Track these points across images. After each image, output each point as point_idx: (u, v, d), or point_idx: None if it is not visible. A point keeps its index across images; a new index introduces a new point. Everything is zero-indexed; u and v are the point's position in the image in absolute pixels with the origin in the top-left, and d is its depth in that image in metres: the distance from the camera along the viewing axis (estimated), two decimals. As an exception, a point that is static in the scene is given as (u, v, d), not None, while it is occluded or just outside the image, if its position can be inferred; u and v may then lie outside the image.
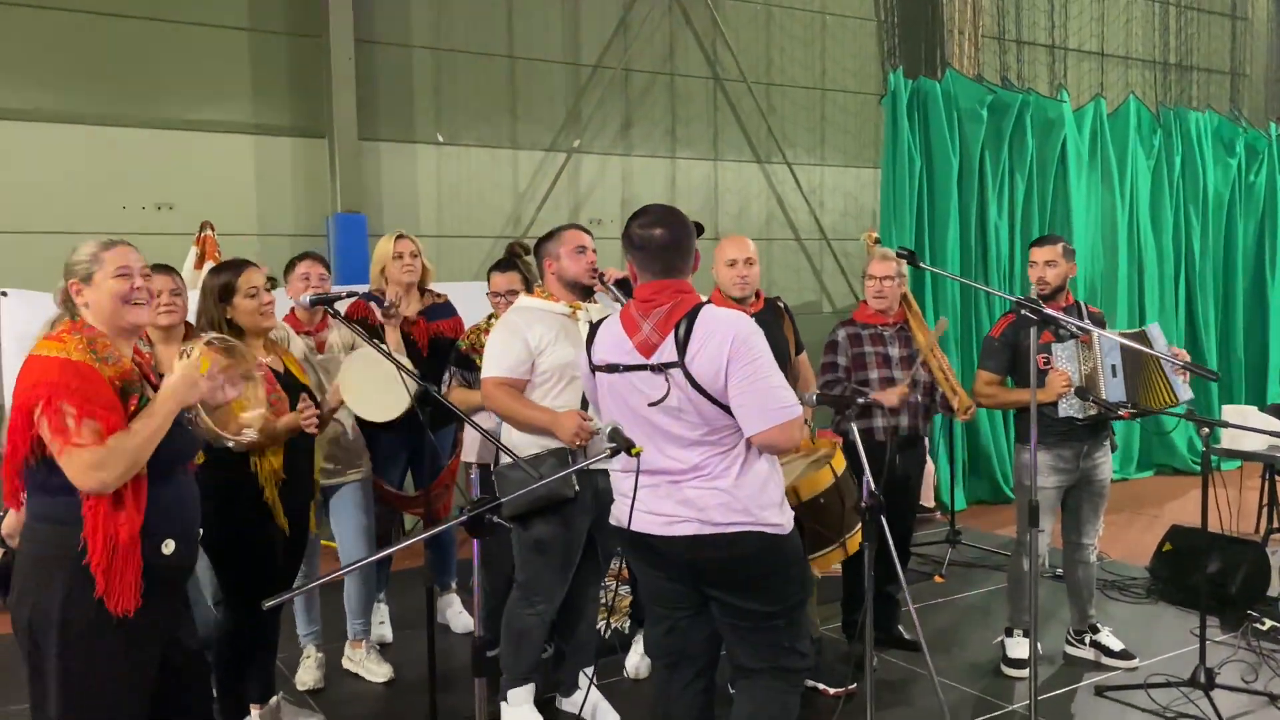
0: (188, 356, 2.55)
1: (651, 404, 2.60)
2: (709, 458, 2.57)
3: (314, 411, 3.38)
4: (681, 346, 2.52)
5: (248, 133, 6.28)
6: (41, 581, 2.34)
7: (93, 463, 2.26)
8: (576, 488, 3.37)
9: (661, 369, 2.55)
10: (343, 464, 4.08)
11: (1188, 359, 3.95)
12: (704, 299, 2.64)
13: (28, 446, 2.29)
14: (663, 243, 2.63)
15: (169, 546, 2.45)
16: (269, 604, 1.89)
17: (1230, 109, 9.47)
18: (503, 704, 3.67)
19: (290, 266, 4.22)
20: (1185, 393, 4.06)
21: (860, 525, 2.97)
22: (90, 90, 5.88)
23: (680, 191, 7.66)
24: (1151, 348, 3.93)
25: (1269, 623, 4.54)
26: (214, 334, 2.75)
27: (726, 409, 2.52)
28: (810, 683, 3.98)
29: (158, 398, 2.43)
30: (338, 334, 4.13)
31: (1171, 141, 8.41)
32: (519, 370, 3.45)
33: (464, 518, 2.05)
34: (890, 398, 4.09)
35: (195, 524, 2.61)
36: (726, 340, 2.49)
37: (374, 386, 3.69)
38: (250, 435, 2.80)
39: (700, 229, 2.75)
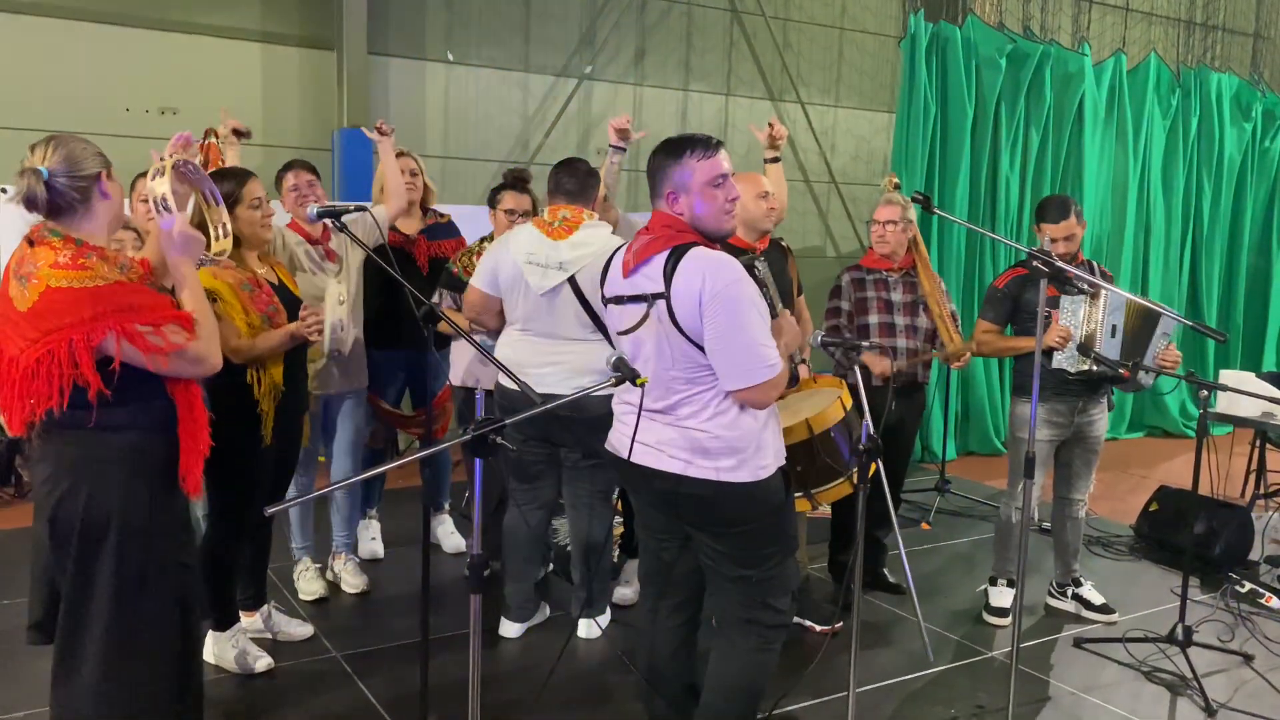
0: (164, 209, 2.46)
1: (621, 332, 2.61)
2: (685, 396, 2.56)
3: (317, 318, 3.37)
4: (668, 278, 2.49)
5: (255, 40, 6.17)
6: (97, 479, 2.37)
7: (197, 356, 2.41)
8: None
9: (650, 299, 2.53)
10: (345, 376, 4.09)
11: (1177, 360, 4.02)
12: (699, 240, 2.56)
13: (98, 378, 2.28)
14: (648, 169, 2.64)
15: None
16: (270, 510, 1.89)
17: (1251, 72, 9.35)
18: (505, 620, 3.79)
19: (279, 178, 4.17)
20: (1147, 380, 4.11)
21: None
22: (96, -14, 5.75)
23: (690, 125, 7.56)
24: (1155, 323, 3.99)
25: (1248, 585, 4.60)
26: (168, 163, 2.53)
27: (701, 349, 2.49)
28: (796, 619, 4.04)
29: (176, 270, 2.47)
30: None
31: (1190, 102, 8.31)
32: None
33: (467, 437, 2.04)
34: (880, 365, 4.12)
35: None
36: (705, 280, 2.44)
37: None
38: (223, 247, 2.83)
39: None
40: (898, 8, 8.24)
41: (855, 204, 8.25)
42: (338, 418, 4.13)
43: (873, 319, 4.25)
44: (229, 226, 2.89)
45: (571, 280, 3.57)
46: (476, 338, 3.76)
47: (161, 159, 2.53)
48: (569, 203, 3.66)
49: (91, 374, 2.27)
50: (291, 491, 4.08)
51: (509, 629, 3.90)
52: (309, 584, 4.21)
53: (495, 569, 4.00)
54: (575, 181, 3.67)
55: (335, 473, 4.22)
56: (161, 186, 2.45)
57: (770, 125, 4.23)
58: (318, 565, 4.28)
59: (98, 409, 2.33)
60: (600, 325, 3.50)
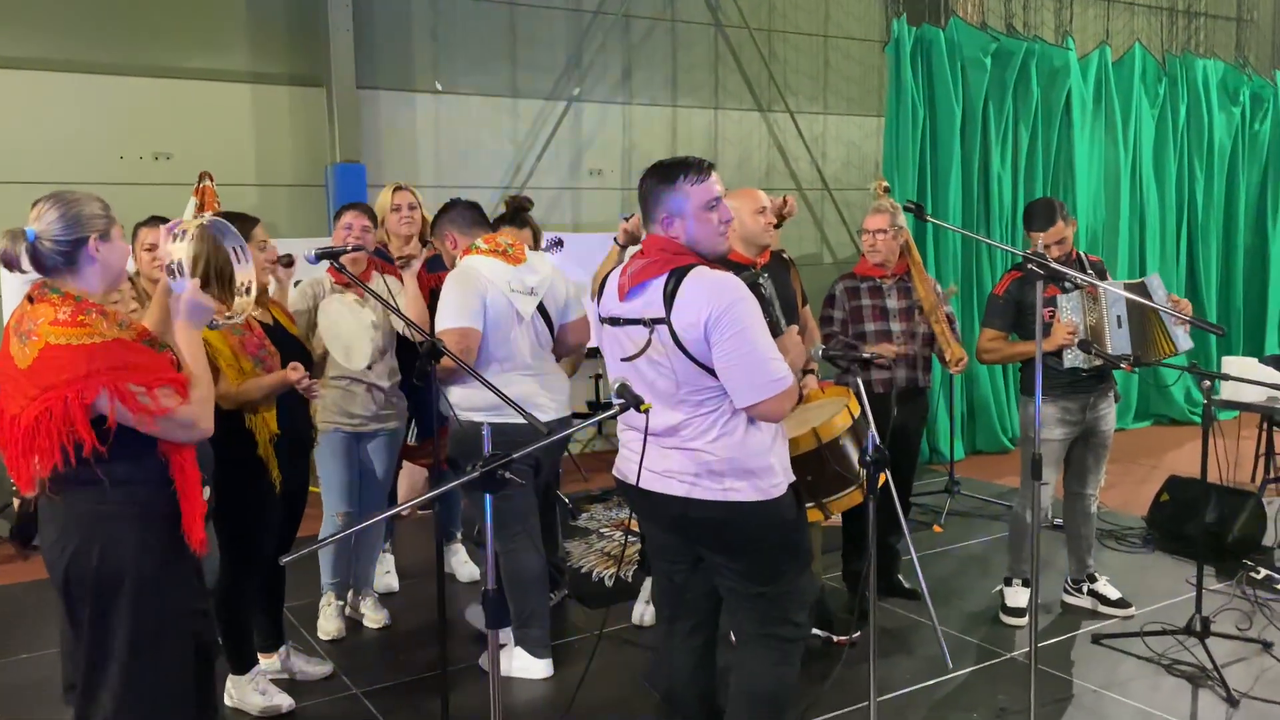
0: (179, 273, 2.46)
1: (624, 358, 2.61)
2: (690, 418, 2.56)
3: (309, 380, 3.37)
4: (668, 302, 2.50)
5: (245, 81, 6.22)
6: (107, 534, 2.37)
7: (186, 421, 2.38)
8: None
9: (650, 324, 2.53)
10: (383, 412, 4.10)
11: (1189, 310, 3.95)
12: (697, 261, 2.56)
13: (93, 436, 2.27)
14: (639, 193, 2.66)
15: (205, 492, 2.54)
16: (285, 559, 1.90)
17: (1236, 57, 9.38)
18: (510, 650, 3.74)
19: (337, 217, 4.23)
20: (1185, 342, 4.08)
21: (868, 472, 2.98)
22: (86, 38, 5.80)
23: (681, 141, 7.60)
24: (1151, 298, 3.94)
25: (1264, 571, 4.60)
26: (194, 222, 2.55)
27: (709, 371, 2.51)
28: (814, 630, 4.04)
29: (180, 334, 2.46)
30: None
31: (1177, 90, 8.34)
32: None
33: (476, 474, 2.05)
34: (885, 350, 4.12)
35: (212, 471, 2.65)
36: (709, 303, 2.45)
37: (351, 335, 3.70)
38: (243, 305, 2.80)
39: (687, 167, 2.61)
40: (880, 13, 8.28)
41: (849, 209, 8.27)
42: (371, 451, 4.14)
43: (869, 327, 4.26)
44: (254, 284, 2.83)
45: (540, 304, 3.68)
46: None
47: (182, 221, 2.54)
48: (493, 232, 3.81)
49: (86, 432, 2.26)
50: (331, 526, 4.08)
51: (538, 668, 3.79)
52: (328, 622, 4.21)
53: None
54: (480, 213, 3.84)
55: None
56: (179, 251, 2.45)
57: (784, 200, 4.17)
58: (340, 603, 4.27)
59: (100, 465, 2.32)
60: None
